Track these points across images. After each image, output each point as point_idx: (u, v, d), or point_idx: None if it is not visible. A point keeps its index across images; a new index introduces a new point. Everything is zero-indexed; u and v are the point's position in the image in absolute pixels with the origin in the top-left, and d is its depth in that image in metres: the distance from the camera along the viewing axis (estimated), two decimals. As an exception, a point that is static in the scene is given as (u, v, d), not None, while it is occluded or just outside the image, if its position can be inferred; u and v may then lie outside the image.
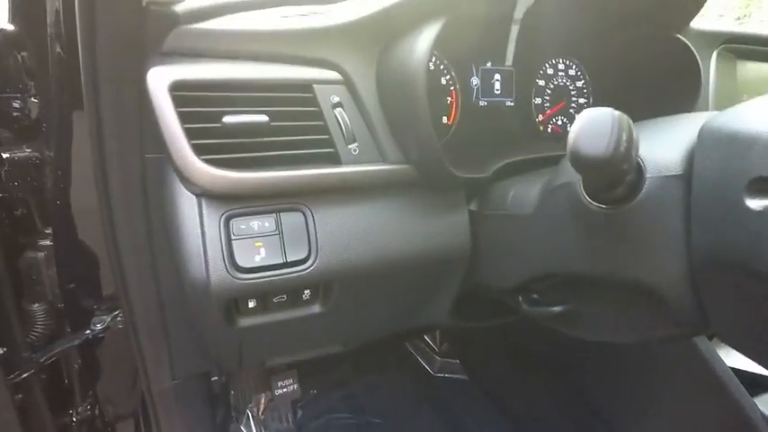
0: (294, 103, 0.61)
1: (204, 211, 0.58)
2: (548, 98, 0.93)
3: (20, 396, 0.75)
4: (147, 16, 0.54)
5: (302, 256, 0.61)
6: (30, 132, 0.76)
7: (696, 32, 0.89)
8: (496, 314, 0.86)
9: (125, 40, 0.53)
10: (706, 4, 0.78)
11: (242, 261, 0.58)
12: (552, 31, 0.87)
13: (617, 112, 0.39)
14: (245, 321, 0.64)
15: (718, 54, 0.96)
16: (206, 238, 0.58)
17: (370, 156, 0.65)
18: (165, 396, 0.85)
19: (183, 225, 0.59)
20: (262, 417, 1.19)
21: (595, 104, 0.97)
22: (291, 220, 0.61)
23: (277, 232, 0.60)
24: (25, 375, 0.75)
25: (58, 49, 0.67)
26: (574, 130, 0.40)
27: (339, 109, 0.63)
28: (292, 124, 0.60)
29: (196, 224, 0.58)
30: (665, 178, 0.47)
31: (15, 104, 0.74)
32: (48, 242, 0.80)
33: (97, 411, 0.95)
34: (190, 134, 0.55)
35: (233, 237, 0.59)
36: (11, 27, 0.70)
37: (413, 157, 0.67)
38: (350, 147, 0.64)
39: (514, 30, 0.84)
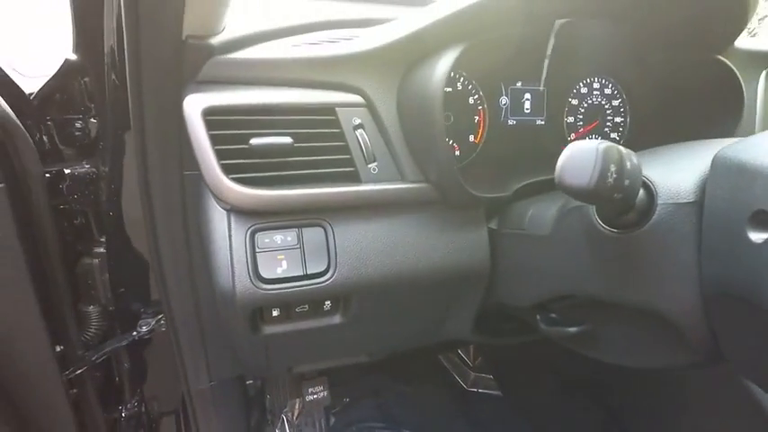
0: (317, 125, 0.64)
1: (232, 225, 0.63)
2: (581, 117, 0.93)
3: (74, 391, 0.83)
4: (185, 49, 0.59)
5: (322, 268, 0.65)
6: (89, 150, 0.85)
7: (743, 52, 0.86)
8: (519, 332, 0.86)
9: (166, 70, 0.59)
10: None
11: (265, 272, 0.63)
12: (587, 50, 0.87)
13: (605, 145, 0.40)
14: (269, 329, 0.68)
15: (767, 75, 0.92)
16: (233, 251, 0.62)
17: (389, 175, 0.68)
18: (203, 396, 0.91)
19: (214, 237, 0.64)
20: (296, 422, 1.23)
21: (632, 124, 0.95)
22: (312, 234, 0.65)
23: (298, 246, 0.64)
24: (79, 372, 0.82)
25: (113, 77, 0.74)
26: (560, 162, 0.42)
27: (360, 130, 0.66)
28: (315, 145, 0.64)
29: (225, 237, 0.63)
30: (676, 205, 0.47)
31: (78, 125, 0.82)
32: (102, 250, 0.88)
33: (143, 408, 1.02)
34: (220, 155, 0.60)
35: (257, 249, 0.63)
36: (74, 57, 0.78)
37: (431, 176, 0.69)
38: (370, 166, 0.67)
39: (549, 50, 0.84)
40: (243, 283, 0.62)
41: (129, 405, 0.99)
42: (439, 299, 0.77)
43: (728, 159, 0.44)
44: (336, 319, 0.71)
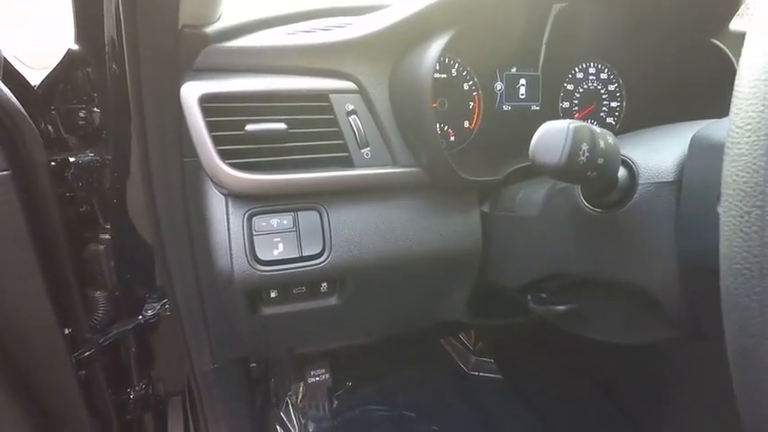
0: (311, 111, 0.66)
1: (230, 210, 0.65)
2: (576, 102, 0.93)
3: (83, 373, 0.86)
4: (182, 38, 0.61)
5: (317, 251, 0.67)
6: (93, 139, 0.87)
7: (737, 36, 0.87)
8: (512, 313, 0.88)
9: (163, 59, 0.60)
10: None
11: (262, 254, 0.65)
12: (583, 35, 0.87)
13: (576, 124, 0.41)
14: (268, 310, 0.70)
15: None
16: (231, 234, 0.65)
17: (382, 159, 0.69)
18: (207, 378, 0.94)
19: (213, 222, 0.66)
20: (300, 404, 1.26)
21: (628, 108, 0.96)
22: (308, 218, 0.67)
23: (294, 229, 0.66)
24: (87, 354, 0.85)
25: (114, 67, 0.76)
26: (533, 141, 0.43)
27: (353, 116, 0.68)
28: (309, 131, 0.66)
29: (223, 221, 0.65)
30: (656, 185, 0.48)
31: (81, 114, 0.84)
32: (107, 236, 0.91)
33: (151, 390, 1.05)
34: (216, 141, 0.62)
35: (254, 232, 0.65)
36: (76, 46, 0.80)
37: (423, 161, 0.70)
38: (363, 151, 0.68)
39: (546, 35, 0.85)
40: (241, 264, 0.64)
41: (137, 387, 1.02)
42: (433, 280, 0.78)
43: (704, 139, 0.46)
44: (333, 300, 0.73)
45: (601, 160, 0.43)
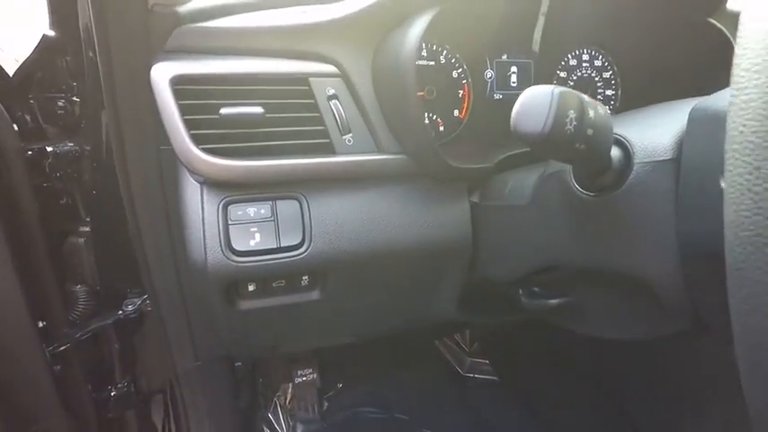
0: (290, 95, 0.63)
1: (205, 198, 0.63)
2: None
3: (58, 368, 0.83)
4: (152, 17, 0.58)
5: (296, 241, 0.64)
6: (73, 129, 0.85)
7: (735, 15, 0.84)
8: (505, 310, 0.85)
9: (134, 40, 0.58)
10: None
11: (237, 245, 0.62)
12: (576, 20, 0.84)
13: (561, 89, 0.38)
14: (245, 304, 0.68)
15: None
16: (205, 223, 0.62)
17: (365, 146, 0.67)
18: (190, 376, 0.91)
19: (188, 211, 0.64)
20: (289, 406, 1.23)
21: (623, 96, 0.93)
22: (287, 207, 0.64)
23: (272, 218, 0.64)
24: (63, 348, 0.82)
25: (90, 53, 0.74)
26: (514, 109, 0.40)
27: (335, 101, 0.65)
28: (288, 116, 0.63)
29: (198, 210, 0.63)
30: (653, 164, 0.45)
31: (60, 104, 0.82)
32: (87, 229, 0.88)
33: (134, 388, 1.03)
34: (189, 125, 0.59)
35: (230, 222, 0.62)
36: (52, 33, 0.77)
37: (409, 148, 0.67)
38: (344, 137, 0.66)
39: (540, 22, 0.82)
40: (215, 255, 0.62)
41: (119, 385, 0.99)
42: (421, 275, 0.75)
43: (704, 111, 0.43)
44: (315, 294, 0.70)
45: (590, 131, 0.40)
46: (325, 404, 1.27)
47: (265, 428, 1.21)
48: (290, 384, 1.18)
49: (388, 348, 1.38)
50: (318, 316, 0.74)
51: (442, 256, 0.72)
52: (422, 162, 0.68)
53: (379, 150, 0.67)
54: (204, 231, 0.62)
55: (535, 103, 0.38)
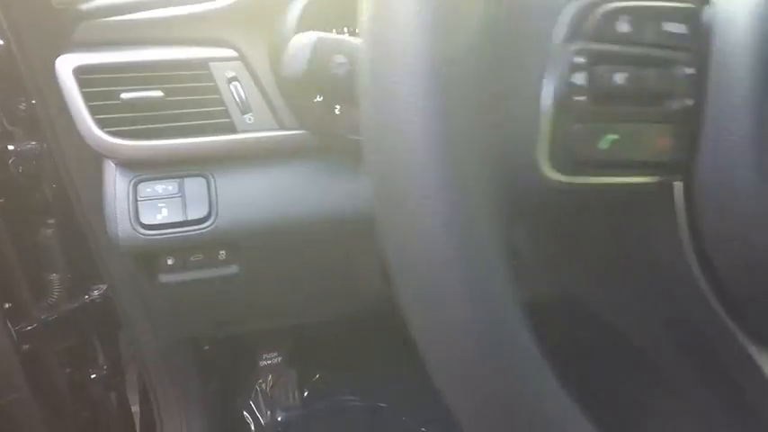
0: (189, 79, 0.67)
1: (117, 178, 0.68)
2: None
3: (27, 346, 0.90)
4: (56, 14, 0.64)
5: (202, 215, 0.68)
6: (35, 128, 0.92)
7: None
8: None
9: (41, 37, 0.64)
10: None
11: (146, 219, 0.67)
12: None
13: (320, 35, 0.39)
14: (165, 277, 0.72)
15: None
16: (117, 201, 0.67)
17: (265, 124, 0.70)
18: (154, 359, 0.96)
19: (105, 191, 0.69)
20: (269, 393, 1.26)
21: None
22: (194, 184, 0.69)
23: (180, 195, 0.68)
24: (30, 328, 0.90)
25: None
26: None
27: (234, 83, 0.69)
28: (189, 98, 0.67)
29: (112, 189, 0.68)
30: None
31: (21, 106, 0.90)
32: (56, 221, 0.96)
33: (112, 371, 1.09)
34: (92, 110, 0.64)
35: (139, 198, 0.67)
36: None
37: (307, 123, 0.70)
38: (245, 116, 0.69)
39: None
40: (125, 229, 0.66)
41: (96, 368, 1.06)
42: (335, 252, 0.77)
43: None
44: (233, 268, 0.73)
45: None
46: (306, 392, 1.30)
47: (246, 414, 1.24)
48: (264, 369, 1.21)
49: (371, 336, 1.39)
50: (242, 293, 0.78)
51: (352, 229, 0.74)
52: (321, 136, 0.70)
53: (281, 127, 0.70)
54: (116, 208, 0.67)
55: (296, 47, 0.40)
